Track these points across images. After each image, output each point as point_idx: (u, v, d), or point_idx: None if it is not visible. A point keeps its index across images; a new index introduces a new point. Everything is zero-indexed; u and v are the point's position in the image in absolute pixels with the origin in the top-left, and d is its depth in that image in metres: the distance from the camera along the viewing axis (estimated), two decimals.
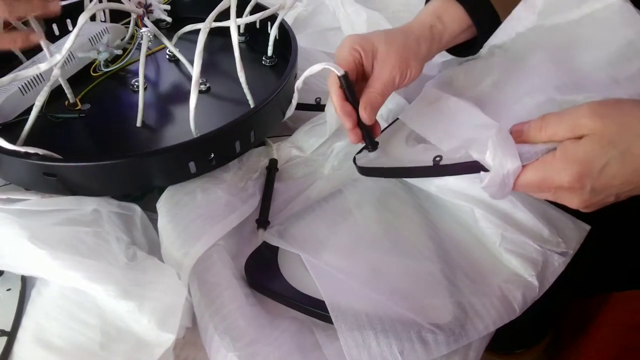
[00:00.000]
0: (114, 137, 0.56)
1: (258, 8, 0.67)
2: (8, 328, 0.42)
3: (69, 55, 0.56)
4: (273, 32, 0.65)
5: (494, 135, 0.36)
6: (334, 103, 0.48)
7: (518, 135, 0.37)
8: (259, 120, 0.53)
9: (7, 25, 0.52)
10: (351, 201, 0.53)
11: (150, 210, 0.51)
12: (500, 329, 0.43)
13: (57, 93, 0.57)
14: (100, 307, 0.42)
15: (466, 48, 0.55)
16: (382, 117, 0.59)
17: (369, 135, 0.49)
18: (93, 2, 0.51)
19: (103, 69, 0.66)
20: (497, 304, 0.43)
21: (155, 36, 0.60)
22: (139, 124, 0.56)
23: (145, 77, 0.56)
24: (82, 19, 0.46)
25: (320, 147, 0.59)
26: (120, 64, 0.66)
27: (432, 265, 0.46)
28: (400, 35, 0.49)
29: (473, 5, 0.51)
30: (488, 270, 0.47)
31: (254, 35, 0.73)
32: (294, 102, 0.57)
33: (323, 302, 0.41)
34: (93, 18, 0.67)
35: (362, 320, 0.40)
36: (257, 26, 0.73)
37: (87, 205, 0.48)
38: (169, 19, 0.67)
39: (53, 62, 0.48)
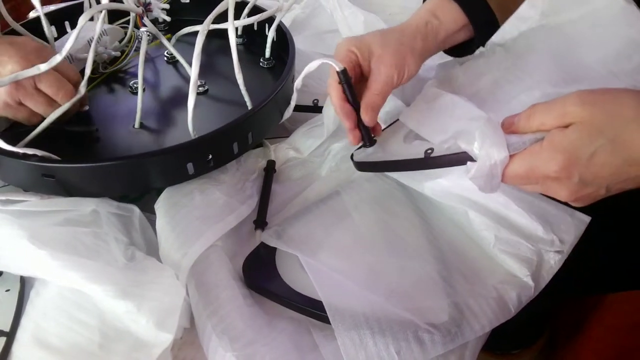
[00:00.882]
0: (112, 139, 0.56)
1: (256, 10, 0.67)
2: (7, 328, 0.42)
3: (67, 57, 0.56)
4: (271, 34, 0.66)
5: (482, 125, 0.36)
6: (333, 101, 0.48)
7: (509, 126, 0.37)
8: (256, 122, 0.53)
9: None
10: (348, 202, 0.53)
11: (149, 211, 0.51)
12: (496, 329, 0.44)
13: None
14: (99, 308, 0.42)
15: (464, 49, 0.56)
16: (381, 119, 0.59)
17: (366, 132, 0.49)
18: (97, 5, 0.52)
19: (102, 70, 0.66)
20: (492, 305, 0.43)
21: (154, 37, 0.61)
22: (137, 125, 0.56)
23: (144, 79, 0.56)
24: (82, 20, 0.47)
25: (317, 148, 0.60)
26: (118, 65, 0.67)
27: (429, 265, 0.46)
28: (395, 33, 0.50)
29: (468, 3, 0.51)
30: (484, 271, 0.47)
31: (251, 37, 0.74)
32: (293, 102, 0.57)
33: (320, 302, 0.41)
34: (91, 19, 0.67)
35: (359, 320, 0.40)
36: (255, 28, 0.73)
37: (86, 206, 0.48)
38: (167, 18, 0.67)
39: (53, 62, 0.48)
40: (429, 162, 0.42)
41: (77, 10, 0.68)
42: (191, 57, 0.50)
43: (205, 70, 0.62)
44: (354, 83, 0.48)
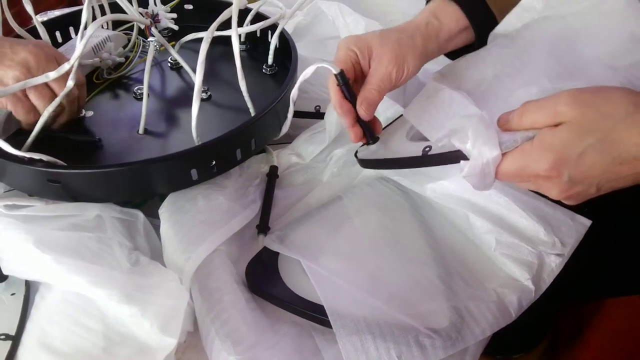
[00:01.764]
0: (117, 144, 0.56)
1: (259, 17, 0.68)
2: (12, 332, 0.42)
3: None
4: (274, 41, 0.66)
5: (475, 123, 0.36)
6: (333, 100, 0.48)
7: (504, 123, 0.37)
8: (259, 128, 0.54)
9: None
10: (350, 207, 0.53)
11: (152, 216, 0.52)
12: (497, 333, 0.44)
13: None
14: (103, 312, 0.43)
15: (466, 53, 0.56)
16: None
17: (368, 130, 0.50)
18: (106, 16, 0.52)
19: (106, 76, 0.67)
20: (493, 309, 0.44)
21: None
22: (141, 130, 0.57)
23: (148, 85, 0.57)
24: (91, 29, 0.47)
25: (319, 154, 0.60)
26: (123, 71, 0.67)
27: (430, 270, 0.47)
28: (395, 32, 0.50)
29: (469, 5, 0.51)
30: (484, 275, 0.47)
31: (254, 44, 0.74)
32: (290, 115, 0.57)
33: (322, 306, 0.42)
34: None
35: (360, 325, 0.40)
36: (258, 35, 0.74)
37: (90, 211, 0.49)
38: (176, 27, 0.68)
39: (61, 71, 0.49)
40: (426, 160, 0.42)
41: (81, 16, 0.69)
42: (194, 63, 0.50)
43: (208, 76, 0.62)
44: (354, 81, 0.48)
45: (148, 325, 0.41)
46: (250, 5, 0.68)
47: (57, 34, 0.71)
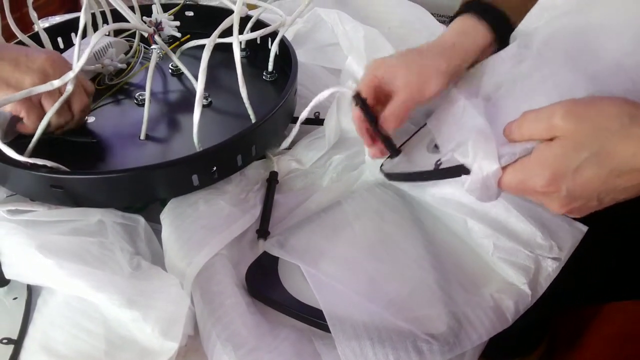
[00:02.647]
0: (119, 150, 0.57)
1: (259, 24, 0.68)
2: (15, 336, 0.43)
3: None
4: (274, 48, 0.67)
5: (474, 137, 0.36)
6: (355, 123, 0.51)
7: (508, 133, 0.37)
8: (260, 135, 0.54)
9: None
10: (349, 213, 0.54)
11: (154, 221, 0.52)
12: (494, 337, 0.44)
13: None
14: (105, 316, 0.43)
15: None
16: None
17: (389, 144, 0.51)
18: (110, 25, 0.53)
19: (107, 82, 0.67)
20: (490, 314, 0.44)
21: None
22: (142, 136, 0.57)
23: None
24: (96, 38, 0.48)
25: (319, 160, 0.61)
26: (124, 78, 0.68)
27: (428, 275, 0.47)
28: (419, 54, 0.51)
29: (493, 19, 0.52)
30: (481, 280, 0.47)
31: (254, 51, 0.75)
32: (294, 131, 0.59)
33: (322, 311, 0.42)
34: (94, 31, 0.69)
35: (359, 330, 0.41)
36: (258, 42, 0.74)
37: (92, 216, 0.49)
38: (179, 35, 0.68)
39: (66, 79, 0.49)
40: (438, 173, 0.42)
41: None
42: (195, 69, 0.51)
43: (208, 82, 0.63)
44: (376, 105, 0.50)
45: (149, 329, 0.41)
46: (250, 13, 0.69)
47: (59, 39, 0.72)
